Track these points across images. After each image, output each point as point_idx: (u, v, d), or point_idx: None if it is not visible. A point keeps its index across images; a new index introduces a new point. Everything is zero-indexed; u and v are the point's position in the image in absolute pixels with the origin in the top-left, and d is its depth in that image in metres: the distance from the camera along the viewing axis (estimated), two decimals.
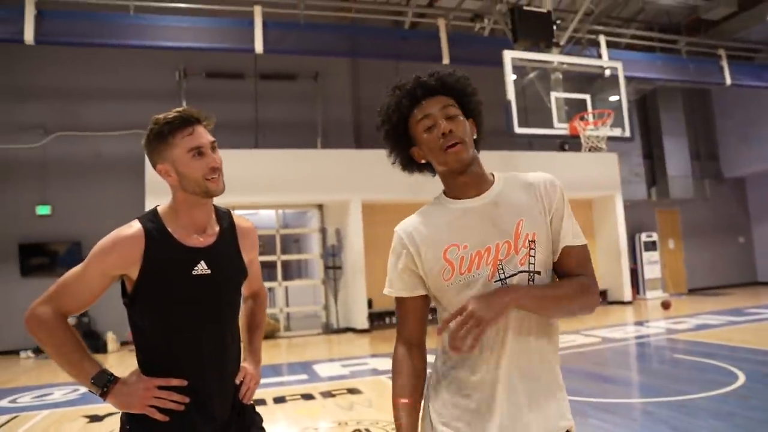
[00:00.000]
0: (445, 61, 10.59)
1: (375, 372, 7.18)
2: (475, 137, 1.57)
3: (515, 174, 1.59)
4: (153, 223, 1.75)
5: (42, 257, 11.16)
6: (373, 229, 11.57)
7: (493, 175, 1.60)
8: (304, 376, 7.13)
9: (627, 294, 13.37)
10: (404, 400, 1.52)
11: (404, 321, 1.62)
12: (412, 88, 1.56)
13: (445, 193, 1.61)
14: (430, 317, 1.69)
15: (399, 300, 1.61)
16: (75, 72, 11.57)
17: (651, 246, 15.02)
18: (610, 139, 9.83)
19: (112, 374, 1.69)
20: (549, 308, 1.45)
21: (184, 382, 1.72)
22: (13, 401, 6.63)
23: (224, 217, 1.90)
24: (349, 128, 13.01)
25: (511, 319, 1.47)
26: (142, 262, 1.68)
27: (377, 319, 11.87)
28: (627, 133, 10.04)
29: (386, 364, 7.54)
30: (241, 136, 11.84)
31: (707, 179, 16.40)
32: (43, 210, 11.22)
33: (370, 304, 11.59)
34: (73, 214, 11.26)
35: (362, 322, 11.23)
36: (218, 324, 1.79)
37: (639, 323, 10.47)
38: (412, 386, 1.55)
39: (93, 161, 11.46)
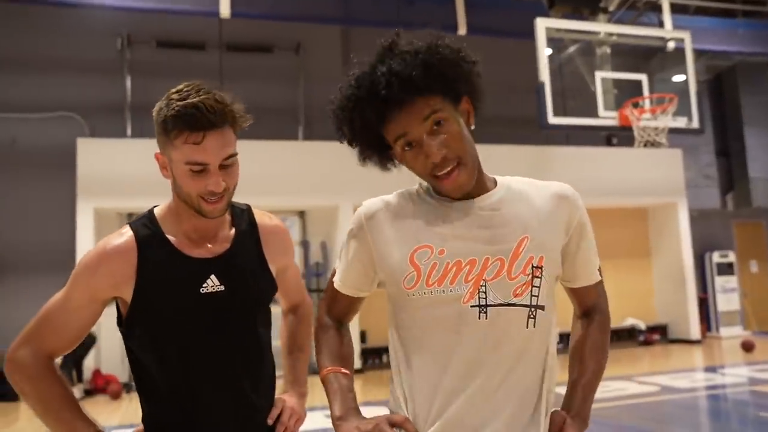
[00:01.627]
0: (461, 30, 10.64)
1: None
2: (472, 127, 1.57)
3: (528, 180, 1.62)
4: (148, 228, 1.74)
5: None
6: None
7: (495, 181, 1.62)
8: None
9: (694, 331, 13.37)
10: (345, 371, 1.64)
11: (335, 304, 1.74)
12: (373, 94, 1.49)
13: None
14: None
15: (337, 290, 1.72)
16: None
17: (726, 269, 14.99)
18: (673, 131, 9.87)
19: None
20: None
21: None
22: None
23: (241, 215, 1.88)
24: None
25: None
26: (135, 279, 1.68)
27: (372, 357, 11.87)
28: (695, 124, 10.08)
29: (384, 413, 7.50)
30: None
31: None
32: None
33: (363, 337, 11.59)
34: None
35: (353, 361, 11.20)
36: (243, 354, 1.77)
37: (710, 369, 10.47)
38: (346, 359, 1.68)
39: (6, 150, 11.43)
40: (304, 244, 12.11)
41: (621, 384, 9.04)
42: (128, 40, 12.10)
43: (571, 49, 10.14)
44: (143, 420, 1.77)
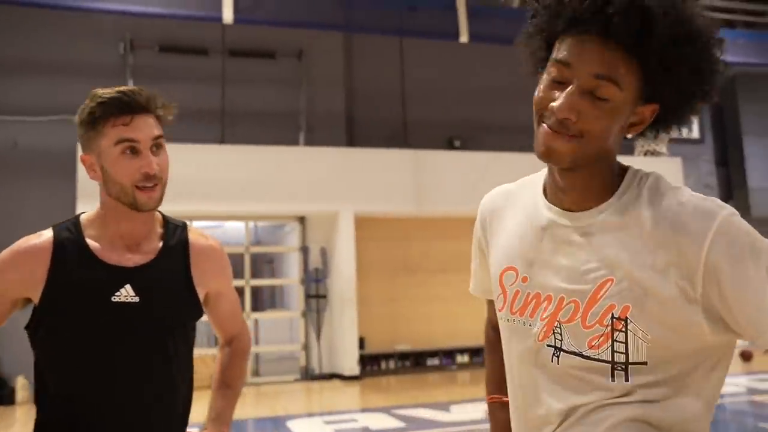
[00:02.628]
0: (463, 38, 10.68)
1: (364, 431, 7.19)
2: (629, 135, 1.22)
3: (668, 188, 1.19)
4: (69, 232, 1.72)
5: None
6: (367, 249, 11.55)
7: (626, 187, 1.22)
8: None
9: None
10: (505, 399, 1.44)
11: (488, 311, 1.57)
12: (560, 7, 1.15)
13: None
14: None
15: None
16: None
17: None
18: (672, 140, 9.87)
19: None
20: None
21: None
22: None
23: (174, 231, 1.83)
24: (340, 121, 13.06)
25: None
26: (45, 282, 1.65)
27: (370, 363, 11.81)
28: (695, 134, 10.08)
29: (381, 421, 7.52)
30: (203, 128, 11.87)
31: None
32: None
33: (361, 344, 11.53)
34: None
35: (351, 367, 11.18)
36: (150, 374, 1.71)
37: None
38: (502, 380, 1.42)
39: (8, 153, 11.44)
40: (304, 250, 12.09)
41: None
42: (131, 44, 12.11)
43: None
44: (37, 424, 1.71)
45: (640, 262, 1.14)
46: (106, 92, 1.66)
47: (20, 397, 10.33)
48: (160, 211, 1.81)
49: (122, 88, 1.67)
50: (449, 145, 13.14)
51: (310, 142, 12.66)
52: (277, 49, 12.87)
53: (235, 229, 13.13)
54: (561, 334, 1.21)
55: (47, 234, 1.71)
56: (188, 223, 1.91)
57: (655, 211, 1.15)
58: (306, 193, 11.33)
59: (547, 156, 1.17)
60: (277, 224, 14.18)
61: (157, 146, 1.69)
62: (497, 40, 10.60)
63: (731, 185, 15.86)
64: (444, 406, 8.23)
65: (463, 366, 12.20)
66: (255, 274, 12.70)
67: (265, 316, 13.45)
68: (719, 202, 1.14)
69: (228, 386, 1.97)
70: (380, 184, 11.19)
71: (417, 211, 11.48)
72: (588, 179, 1.21)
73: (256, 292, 13.18)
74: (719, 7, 13.30)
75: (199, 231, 1.90)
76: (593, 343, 1.17)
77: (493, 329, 1.55)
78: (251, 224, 12.66)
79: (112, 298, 1.66)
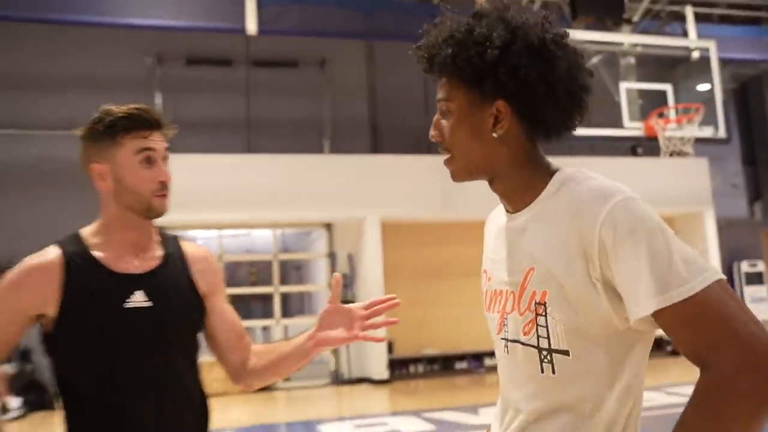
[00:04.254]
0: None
1: None
2: (495, 134, 1.32)
3: (583, 182, 1.28)
4: (73, 246, 1.76)
5: None
6: (394, 254, 11.56)
7: (550, 185, 1.34)
8: None
9: None
10: None
11: None
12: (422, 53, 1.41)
13: None
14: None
15: None
16: (22, 57, 11.80)
17: (756, 279, 14.76)
18: (699, 140, 9.77)
19: None
20: None
21: None
22: None
23: (170, 240, 1.91)
24: (364, 128, 13.09)
25: None
26: (60, 295, 1.69)
27: (399, 368, 11.85)
28: (721, 133, 9.97)
29: (412, 424, 7.52)
30: (229, 138, 11.98)
31: None
32: None
33: (390, 348, 11.58)
34: (9, 233, 11.39)
35: (380, 372, 11.22)
36: (172, 376, 1.77)
37: None
38: None
39: (38, 167, 11.61)
40: (331, 257, 12.12)
41: (649, 395, 8.93)
42: (158, 58, 12.25)
43: (595, 59, 10.08)
44: None
45: (552, 249, 1.26)
46: (122, 108, 1.77)
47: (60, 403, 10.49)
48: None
49: (137, 106, 1.78)
50: None
51: (335, 149, 12.71)
52: (300, 59, 12.94)
53: (263, 237, 13.20)
54: (507, 326, 1.35)
55: (53, 250, 1.75)
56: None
57: (566, 202, 1.27)
58: (332, 200, 11.37)
59: (454, 179, 1.42)
60: (304, 231, 14.24)
61: (164, 158, 1.81)
62: None
63: (759, 184, 15.63)
64: (472, 409, 8.20)
65: (491, 369, 12.12)
66: (283, 281, 12.75)
67: (294, 322, 13.48)
68: (623, 188, 1.24)
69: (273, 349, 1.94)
70: (406, 190, 11.19)
71: (443, 216, 11.48)
72: (509, 186, 1.37)
73: (285, 298, 13.25)
74: (742, 4, 13.13)
75: (189, 242, 1.97)
76: (525, 329, 1.30)
77: None
78: (279, 232, 12.72)
79: (124, 304, 1.71)
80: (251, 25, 9.94)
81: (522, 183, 1.36)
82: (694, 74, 11.09)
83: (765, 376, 1.07)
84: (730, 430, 1.09)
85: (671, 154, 9.54)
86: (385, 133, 13.06)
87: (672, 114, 9.84)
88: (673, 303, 1.13)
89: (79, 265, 1.72)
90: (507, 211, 1.41)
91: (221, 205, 10.25)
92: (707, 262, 1.18)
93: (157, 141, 1.77)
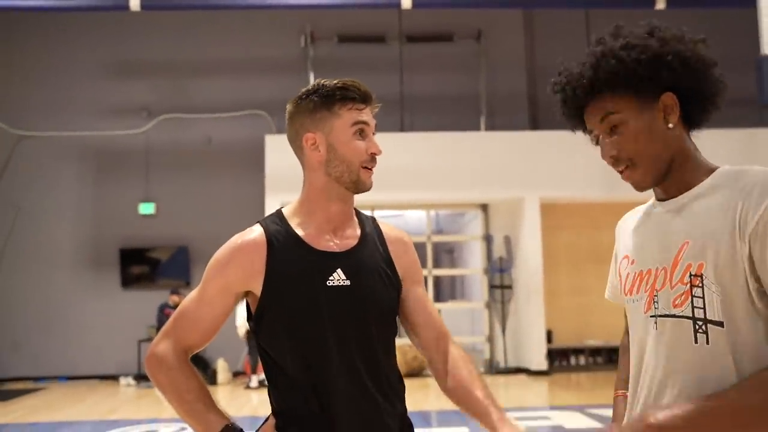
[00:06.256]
0: (660, 5, 10.12)
1: (558, 430, 7.04)
2: (670, 125, 1.46)
3: (747, 171, 1.41)
4: (277, 225, 1.86)
5: (143, 265, 12.27)
6: (554, 238, 11.38)
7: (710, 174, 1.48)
8: (463, 429, 7.15)
9: None
10: (624, 393, 1.67)
11: (626, 314, 1.71)
12: (562, 94, 1.58)
13: None
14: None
15: None
16: (182, 43, 12.59)
17: None
18: None
19: (241, 430, 1.79)
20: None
21: None
22: None
23: (367, 220, 1.97)
24: (522, 103, 12.88)
25: None
26: (265, 272, 1.79)
27: (559, 358, 11.67)
28: None
29: (575, 420, 7.41)
30: (383, 116, 11.80)
31: None
32: (146, 208, 12.35)
33: (549, 337, 11.39)
34: (179, 213, 12.23)
35: (539, 362, 11.08)
36: (373, 356, 1.82)
37: None
38: (628, 379, 1.64)
39: (203, 149, 12.37)
40: (487, 239, 12.08)
41: None
42: (311, 37, 12.63)
43: None
44: (275, 412, 1.84)
45: (711, 223, 1.37)
46: (337, 81, 1.85)
47: (221, 378, 11.25)
48: None
49: (350, 80, 1.87)
50: None
51: (491, 126, 12.60)
52: (455, 32, 12.90)
53: (416, 218, 13.35)
54: (657, 302, 1.45)
55: (258, 228, 1.86)
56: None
57: (735, 183, 1.38)
58: (488, 179, 11.31)
59: (638, 189, 1.54)
60: (458, 212, 14.27)
61: (373, 133, 1.91)
62: (697, 4, 9.98)
63: None
64: None
65: None
66: (436, 264, 12.89)
67: (447, 307, 13.58)
68: None
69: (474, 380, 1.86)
70: (567, 169, 10.89)
71: (607, 197, 11.10)
72: (678, 174, 1.48)
73: (438, 282, 13.39)
74: None
75: (386, 223, 2.03)
76: (677, 302, 1.41)
77: (625, 334, 1.72)
78: (432, 213, 12.84)
79: (327, 282, 1.80)
80: None
81: (689, 170, 1.48)
82: None
83: None
84: None
85: None
86: (544, 109, 12.76)
87: None
88: None
89: (282, 243, 1.82)
90: (659, 199, 1.53)
91: (374, 186, 10.43)
92: None
93: (369, 116, 1.87)
